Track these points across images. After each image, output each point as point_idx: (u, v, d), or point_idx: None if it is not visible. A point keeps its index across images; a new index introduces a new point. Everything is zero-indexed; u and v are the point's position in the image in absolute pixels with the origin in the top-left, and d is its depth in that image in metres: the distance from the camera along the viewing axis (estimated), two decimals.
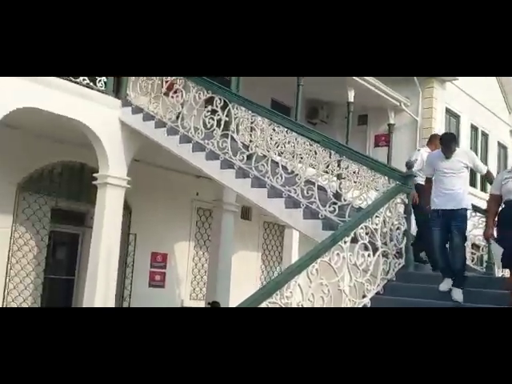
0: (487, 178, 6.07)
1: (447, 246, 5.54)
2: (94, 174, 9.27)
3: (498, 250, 4.99)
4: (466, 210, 5.53)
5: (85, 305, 8.87)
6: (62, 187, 10.95)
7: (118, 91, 9.24)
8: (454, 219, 5.39)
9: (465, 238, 5.50)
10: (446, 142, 5.67)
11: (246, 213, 13.72)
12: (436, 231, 5.49)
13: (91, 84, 8.82)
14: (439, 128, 13.18)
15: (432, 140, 6.94)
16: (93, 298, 8.68)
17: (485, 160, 15.03)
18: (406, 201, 6.07)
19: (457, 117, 13.90)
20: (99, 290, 8.72)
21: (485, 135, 14.96)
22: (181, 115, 8.43)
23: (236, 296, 8.75)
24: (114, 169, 9.02)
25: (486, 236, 5.28)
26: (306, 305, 4.89)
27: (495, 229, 5.15)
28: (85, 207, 11.15)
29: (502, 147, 15.93)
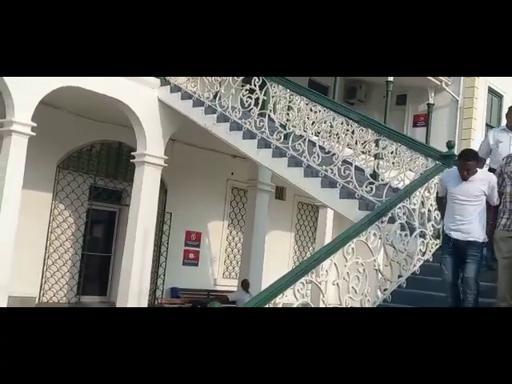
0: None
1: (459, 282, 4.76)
2: (132, 153, 9.39)
3: None
4: (482, 242, 4.66)
5: (121, 281, 9.04)
6: (100, 166, 11.14)
7: None
8: (469, 249, 4.60)
9: (479, 270, 4.63)
10: (464, 161, 4.65)
11: (280, 193, 13.71)
12: (447, 259, 4.72)
13: None
14: (482, 108, 12.86)
15: (510, 113, 6.02)
16: (129, 275, 8.84)
17: None
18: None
19: (500, 96, 13.52)
20: (135, 267, 8.87)
21: None
22: (219, 94, 8.43)
23: (268, 275, 8.79)
24: (151, 148, 9.11)
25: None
26: (341, 283, 4.88)
27: None
28: (122, 185, 11.34)
29: None
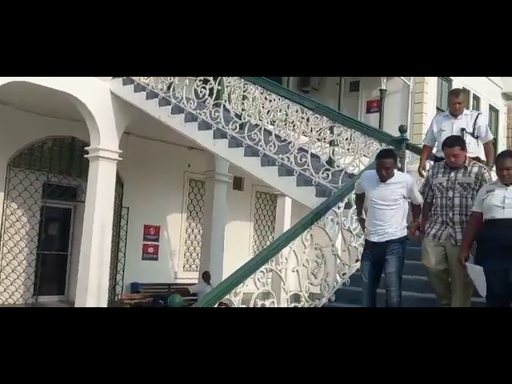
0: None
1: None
2: (86, 148, 9.20)
3: (477, 275, 3.98)
4: (403, 237, 4.48)
5: (79, 279, 8.88)
6: (52, 162, 10.89)
7: None
8: (388, 246, 4.40)
9: (401, 264, 4.42)
10: (381, 159, 4.44)
11: (238, 183, 13.70)
12: (366, 265, 4.50)
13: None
14: (432, 92, 13.12)
15: (451, 98, 5.73)
16: (87, 273, 8.69)
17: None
18: (399, 165, 6.06)
19: (449, 81, 13.83)
20: (93, 264, 8.72)
21: (476, 98, 14.91)
22: (172, 85, 8.33)
23: (229, 266, 8.79)
24: (105, 142, 8.95)
25: (460, 260, 4.14)
26: (301, 270, 4.92)
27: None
28: (76, 182, 11.12)
29: (494, 110, 15.89)
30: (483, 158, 5.60)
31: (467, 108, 14.68)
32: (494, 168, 4.23)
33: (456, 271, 4.22)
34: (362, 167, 6.31)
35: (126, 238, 11.80)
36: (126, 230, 11.79)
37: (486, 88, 15.19)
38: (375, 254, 4.44)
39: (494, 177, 4.35)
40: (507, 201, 3.91)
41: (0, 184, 10.08)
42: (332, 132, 6.95)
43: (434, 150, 5.79)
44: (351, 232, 5.36)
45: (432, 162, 5.77)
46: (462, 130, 5.37)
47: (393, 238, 4.40)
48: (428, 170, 4.80)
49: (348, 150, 6.91)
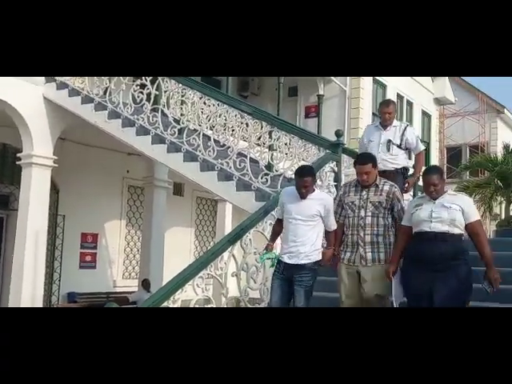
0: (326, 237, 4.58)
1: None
2: (18, 154, 8.88)
3: (398, 292, 4.08)
4: (314, 263, 4.33)
5: (11, 290, 8.56)
6: None
7: None
8: (298, 274, 4.28)
9: (308, 298, 4.30)
10: (300, 178, 4.33)
11: (178, 189, 13.57)
12: (275, 285, 4.39)
13: None
14: (368, 98, 13.46)
15: (381, 109, 5.68)
16: (20, 283, 8.41)
17: None
18: (336, 169, 6.17)
19: (384, 86, 14.22)
20: (26, 273, 8.44)
21: (410, 104, 15.41)
22: (108, 90, 8.17)
23: (170, 273, 8.65)
24: (38, 148, 8.68)
25: (387, 274, 4.15)
26: (241, 274, 4.92)
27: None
28: (8, 189, 10.70)
29: (426, 115, 16.47)
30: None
31: (399, 119, 15.20)
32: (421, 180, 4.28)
33: (370, 296, 4.21)
34: None
35: (62, 247, 11.44)
36: (62, 238, 11.43)
37: (418, 94, 15.74)
38: (287, 276, 4.32)
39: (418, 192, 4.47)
40: (434, 214, 3.95)
41: None
42: (271, 137, 7.00)
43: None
44: None
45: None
46: (389, 141, 5.39)
47: (305, 261, 4.27)
48: (339, 188, 4.72)
49: (287, 154, 6.98)
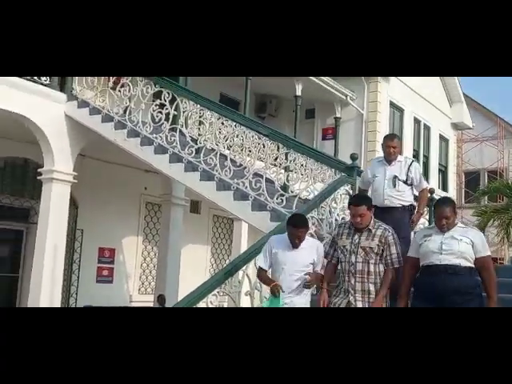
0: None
1: None
2: (39, 170, 9.08)
3: None
4: None
5: (30, 303, 8.69)
6: (4, 183, 10.68)
7: (62, 85, 9.08)
8: None
9: None
10: (295, 228, 4.26)
11: (195, 206, 13.71)
12: None
13: (35, 77, 8.63)
14: (384, 121, 13.54)
15: (385, 143, 5.43)
16: (38, 296, 8.52)
17: (427, 152, 15.52)
18: (351, 192, 6.23)
19: (401, 110, 14.31)
20: (45, 287, 8.57)
21: (427, 128, 15.46)
22: (128, 109, 8.36)
23: (185, 289, 8.74)
24: (59, 164, 8.86)
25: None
26: (255, 293, 4.98)
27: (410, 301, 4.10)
28: (29, 203, 10.93)
29: (444, 139, 16.49)
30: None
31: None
32: (427, 216, 4.18)
33: None
34: (316, 192, 6.45)
35: (79, 261, 11.61)
36: (79, 252, 11.61)
37: (436, 118, 15.79)
38: None
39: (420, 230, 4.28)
40: (445, 246, 3.83)
41: None
42: (287, 158, 7.11)
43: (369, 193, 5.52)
44: None
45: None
46: (395, 177, 5.20)
47: None
48: (334, 229, 4.58)
49: (302, 175, 7.07)
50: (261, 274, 4.49)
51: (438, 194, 15.23)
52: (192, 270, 12.77)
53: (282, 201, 6.60)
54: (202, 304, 4.49)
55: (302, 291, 4.27)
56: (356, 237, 4.17)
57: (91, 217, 11.57)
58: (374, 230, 4.17)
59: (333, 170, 6.65)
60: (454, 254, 3.81)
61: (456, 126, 17.23)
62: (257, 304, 5.08)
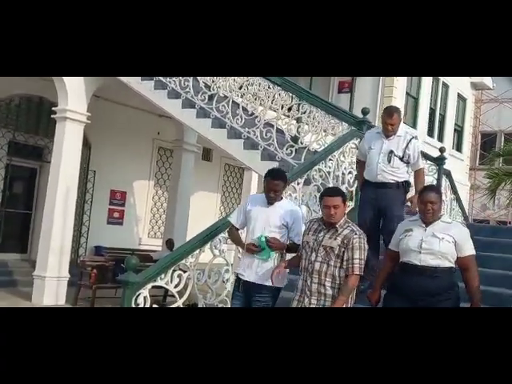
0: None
1: None
2: (53, 108, 9.14)
3: None
4: (277, 288, 4.02)
5: (41, 239, 8.91)
6: (19, 120, 10.78)
7: None
8: (257, 293, 3.95)
9: None
10: (271, 182, 4.02)
11: (207, 154, 13.79)
12: (234, 306, 4.10)
13: None
14: (402, 78, 13.30)
15: (384, 116, 4.98)
16: (50, 233, 8.73)
17: (444, 111, 15.31)
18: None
19: None
20: (56, 224, 8.76)
21: (445, 86, 15.20)
22: None
23: (194, 234, 8.87)
24: (73, 103, 8.90)
25: (371, 300, 3.91)
26: None
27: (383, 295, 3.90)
28: (43, 141, 11.06)
29: (462, 99, 16.23)
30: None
31: (432, 101, 14.81)
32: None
33: None
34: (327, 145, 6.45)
35: (91, 202, 11.82)
36: (91, 193, 11.81)
37: (455, 77, 15.47)
38: (246, 295, 3.99)
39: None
40: (424, 245, 3.59)
41: None
42: (299, 109, 7.08)
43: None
44: (308, 207, 5.53)
45: None
46: (391, 152, 4.85)
47: (266, 283, 3.90)
48: (305, 223, 4.13)
49: (313, 127, 7.06)
50: (231, 231, 4.30)
51: (452, 153, 15.14)
52: (201, 217, 12.91)
53: (292, 152, 6.63)
54: (206, 246, 4.59)
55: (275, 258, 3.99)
56: (321, 234, 3.76)
57: (104, 158, 11.70)
58: (340, 230, 3.73)
59: (345, 124, 6.63)
60: (434, 254, 3.57)
61: (475, 86, 16.91)
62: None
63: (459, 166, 15.71)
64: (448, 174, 7.96)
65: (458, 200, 8.25)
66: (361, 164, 5.18)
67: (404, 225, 3.87)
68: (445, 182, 7.82)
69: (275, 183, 4.00)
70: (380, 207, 4.80)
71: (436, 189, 3.92)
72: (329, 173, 5.88)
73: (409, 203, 4.99)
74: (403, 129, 5.10)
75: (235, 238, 4.30)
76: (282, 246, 4.01)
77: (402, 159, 4.85)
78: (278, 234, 3.98)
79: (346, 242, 3.69)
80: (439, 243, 3.58)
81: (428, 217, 3.66)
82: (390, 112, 4.90)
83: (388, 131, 4.87)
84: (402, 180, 4.89)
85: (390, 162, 4.83)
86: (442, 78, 14.83)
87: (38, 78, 9.75)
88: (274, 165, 6.70)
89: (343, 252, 3.68)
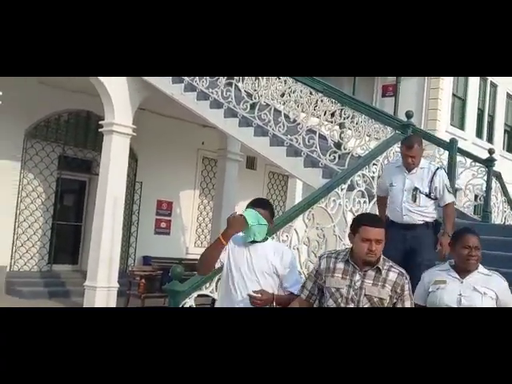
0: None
1: None
2: (100, 122, 9.37)
3: None
4: None
5: (91, 249, 9.12)
6: (68, 135, 11.11)
7: None
8: None
9: None
10: (258, 209, 3.19)
11: (251, 162, 13.83)
12: None
13: None
14: (448, 78, 13.04)
15: (405, 149, 4.43)
16: (99, 244, 8.93)
17: (493, 112, 14.90)
18: None
19: None
20: (105, 236, 8.95)
21: (494, 86, 14.81)
22: None
23: None
24: (119, 116, 9.10)
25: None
26: (302, 248, 5.05)
27: None
28: (91, 155, 11.35)
29: (511, 98, 15.77)
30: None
31: (481, 102, 14.38)
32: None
33: None
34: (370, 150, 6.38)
35: (138, 212, 12.04)
36: (139, 204, 12.03)
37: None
38: None
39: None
40: (464, 301, 3.04)
41: (17, 154, 10.34)
42: (341, 115, 7.04)
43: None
44: (353, 213, 5.47)
45: None
46: (415, 189, 4.34)
47: None
48: (319, 258, 3.13)
49: (356, 132, 7.00)
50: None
51: (503, 154, 14.70)
52: None
53: (335, 158, 6.58)
54: None
55: None
56: (357, 278, 2.85)
57: (150, 170, 11.90)
58: (384, 272, 2.86)
59: (389, 128, 6.54)
60: None
61: None
62: (304, 258, 5.15)
63: (511, 166, 15.24)
64: (498, 176, 7.73)
65: (510, 202, 8.00)
66: (381, 201, 4.71)
67: (432, 274, 3.24)
68: (495, 184, 7.59)
69: (261, 212, 3.17)
70: (407, 251, 4.28)
71: (475, 231, 3.30)
72: (373, 177, 5.79)
73: (438, 246, 4.31)
74: (427, 160, 4.60)
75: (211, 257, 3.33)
76: (271, 299, 3.08)
77: (429, 196, 4.36)
78: (266, 282, 3.12)
79: (398, 290, 2.86)
80: (482, 299, 3.06)
81: (472, 265, 3.12)
82: (409, 143, 4.38)
83: (409, 164, 4.37)
84: (432, 219, 4.40)
85: (415, 200, 4.35)
86: (490, 78, 14.47)
87: (85, 94, 10.04)
88: (317, 171, 6.66)
89: (394, 304, 2.88)
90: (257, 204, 3.26)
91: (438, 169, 4.45)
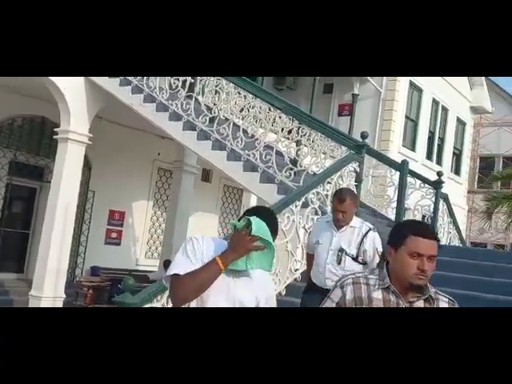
0: None
1: None
2: (55, 129, 9.20)
3: None
4: None
5: (38, 259, 8.90)
6: (21, 140, 10.85)
7: None
8: None
9: None
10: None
11: (206, 175, 13.83)
12: None
13: None
14: (402, 100, 13.43)
15: (335, 203, 4.01)
16: (47, 253, 8.72)
17: (443, 135, 15.40)
18: (358, 169, 6.28)
19: (419, 90, 14.17)
20: (54, 244, 8.75)
21: (445, 110, 15.31)
22: None
23: None
24: (75, 124, 8.96)
25: None
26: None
27: None
28: (44, 162, 11.11)
29: (461, 123, 16.33)
30: None
31: (432, 125, 14.81)
32: None
33: None
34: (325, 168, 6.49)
35: (89, 222, 11.83)
36: (90, 213, 11.82)
37: (455, 101, 15.61)
38: None
39: None
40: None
41: None
42: (298, 133, 7.15)
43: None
44: (306, 230, 5.56)
45: None
46: (341, 250, 3.89)
47: None
48: (340, 286, 2.50)
49: (312, 150, 7.12)
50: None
51: (451, 177, 15.19)
52: None
53: (291, 174, 6.67)
54: None
55: None
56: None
57: (104, 179, 11.74)
58: (435, 302, 2.34)
59: (344, 147, 6.69)
60: None
61: (475, 110, 17.03)
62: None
63: (458, 189, 15.77)
64: (445, 198, 8.01)
65: (455, 223, 8.29)
66: (310, 259, 4.22)
67: None
68: (442, 206, 7.86)
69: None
70: None
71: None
72: (327, 196, 5.91)
73: None
74: (359, 219, 4.16)
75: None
76: None
77: (355, 259, 3.88)
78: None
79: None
80: None
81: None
82: (340, 197, 3.91)
83: (339, 221, 3.92)
84: None
85: (339, 262, 3.86)
86: (441, 102, 14.95)
87: (40, 99, 9.85)
88: (272, 187, 6.74)
89: None
90: (261, 214, 2.36)
91: (369, 230, 3.95)
